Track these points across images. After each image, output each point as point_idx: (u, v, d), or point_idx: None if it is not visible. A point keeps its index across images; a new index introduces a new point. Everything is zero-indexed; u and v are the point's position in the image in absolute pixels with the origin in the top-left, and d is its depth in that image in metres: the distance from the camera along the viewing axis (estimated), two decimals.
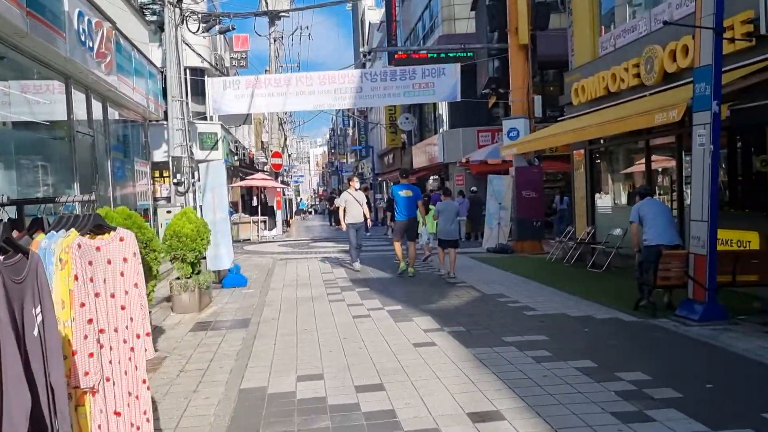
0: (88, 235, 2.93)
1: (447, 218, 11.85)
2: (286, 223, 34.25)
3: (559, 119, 15.31)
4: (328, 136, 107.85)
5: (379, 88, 17.35)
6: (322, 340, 7.04)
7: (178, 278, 9.03)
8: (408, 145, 35.20)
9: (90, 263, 2.81)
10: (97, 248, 2.89)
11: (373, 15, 52.13)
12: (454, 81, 17.39)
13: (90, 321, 2.74)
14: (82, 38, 9.11)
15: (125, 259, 3.05)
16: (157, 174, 23.48)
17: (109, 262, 2.96)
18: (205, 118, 26.45)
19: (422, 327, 7.50)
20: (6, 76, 8.20)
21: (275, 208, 27.68)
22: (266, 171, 31.47)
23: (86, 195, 3.28)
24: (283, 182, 35.30)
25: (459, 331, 7.19)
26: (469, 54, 18.84)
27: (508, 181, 17.03)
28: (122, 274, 3.03)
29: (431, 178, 30.65)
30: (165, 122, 15.55)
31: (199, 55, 20.29)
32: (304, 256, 16.90)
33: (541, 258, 14.99)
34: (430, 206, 14.20)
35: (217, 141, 25.81)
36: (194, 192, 13.55)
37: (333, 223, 37.27)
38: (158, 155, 16.85)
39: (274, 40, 30.44)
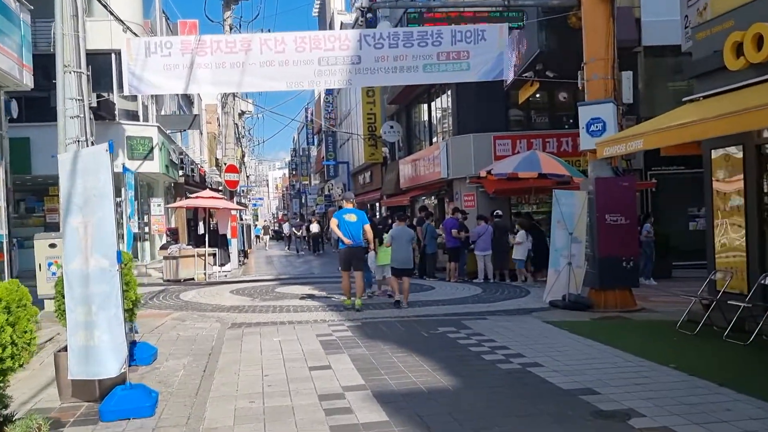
0: None
1: (400, 245, 11.44)
2: (244, 254, 27.92)
3: (685, 99, 9.61)
4: (288, 159, 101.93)
5: (387, 58, 11.35)
6: None
7: None
8: (391, 159, 29.35)
9: None
10: None
11: (345, 19, 46.32)
12: (499, 51, 11.59)
13: None
14: None
15: None
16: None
17: None
18: (138, 119, 20.14)
19: None
20: None
21: (229, 237, 21.34)
22: (220, 190, 25.18)
23: None
24: (240, 204, 29.02)
25: None
26: (511, 15, 12.80)
27: (582, 200, 11.25)
28: None
29: (423, 198, 24.57)
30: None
31: (122, 22, 14.04)
32: (271, 315, 10.68)
33: (656, 321, 9.32)
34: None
35: (152, 148, 19.49)
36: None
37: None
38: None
39: (230, 28, 24.39)
